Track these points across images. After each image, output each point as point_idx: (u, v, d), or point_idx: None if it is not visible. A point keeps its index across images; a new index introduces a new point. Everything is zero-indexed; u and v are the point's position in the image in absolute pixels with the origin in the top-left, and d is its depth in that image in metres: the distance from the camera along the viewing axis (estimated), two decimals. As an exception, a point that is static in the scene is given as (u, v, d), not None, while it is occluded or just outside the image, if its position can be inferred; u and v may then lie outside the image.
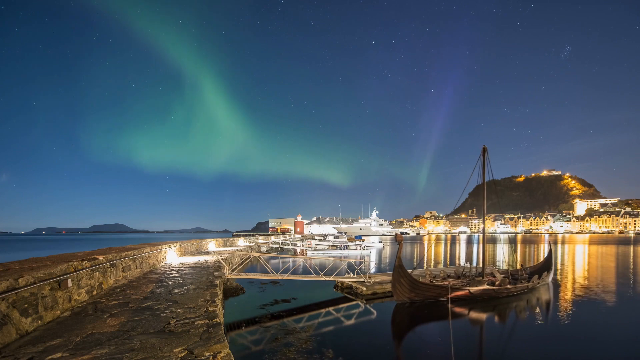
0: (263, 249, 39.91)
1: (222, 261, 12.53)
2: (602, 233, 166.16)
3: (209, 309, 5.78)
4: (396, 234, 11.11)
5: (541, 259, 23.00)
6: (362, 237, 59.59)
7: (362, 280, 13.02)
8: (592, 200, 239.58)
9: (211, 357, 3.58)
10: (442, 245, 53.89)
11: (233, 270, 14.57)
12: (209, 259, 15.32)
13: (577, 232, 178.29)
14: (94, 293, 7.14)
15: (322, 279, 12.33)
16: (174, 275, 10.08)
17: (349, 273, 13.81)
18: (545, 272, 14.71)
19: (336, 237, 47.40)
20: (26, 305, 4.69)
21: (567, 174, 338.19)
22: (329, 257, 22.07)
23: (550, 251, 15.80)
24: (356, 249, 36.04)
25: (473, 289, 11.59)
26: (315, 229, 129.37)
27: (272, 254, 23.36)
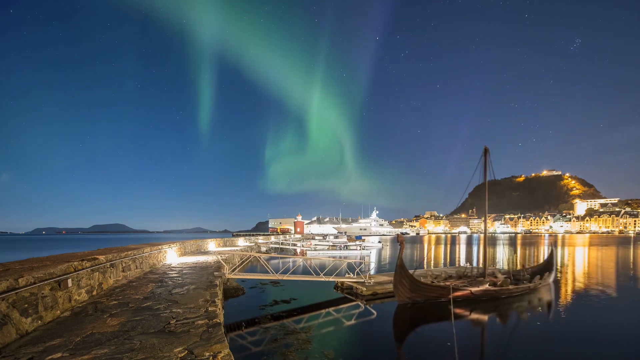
0: (263, 249, 39.88)
1: (222, 261, 12.52)
2: (602, 233, 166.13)
3: (209, 309, 5.78)
4: (398, 235, 11.14)
5: (541, 259, 23.02)
6: (362, 237, 59.50)
7: (362, 280, 13.00)
8: (592, 200, 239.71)
9: (211, 357, 3.57)
10: (442, 246, 53.83)
11: (233, 271, 14.55)
12: (209, 259, 15.31)
13: (577, 232, 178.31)
14: (94, 293, 7.13)
15: (322, 279, 12.31)
16: (174, 275, 10.07)
17: (349, 273, 13.78)
18: (547, 272, 14.72)
19: (336, 237, 47.35)
20: (26, 305, 4.68)
21: (567, 174, 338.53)
22: (329, 257, 22.05)
23: (551, 252, 16.03)
24: (356, 249, 36.04)
25: (475, 290, 11.57)
26: (315, 229, 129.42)
27: (272, 254, 23.33)
